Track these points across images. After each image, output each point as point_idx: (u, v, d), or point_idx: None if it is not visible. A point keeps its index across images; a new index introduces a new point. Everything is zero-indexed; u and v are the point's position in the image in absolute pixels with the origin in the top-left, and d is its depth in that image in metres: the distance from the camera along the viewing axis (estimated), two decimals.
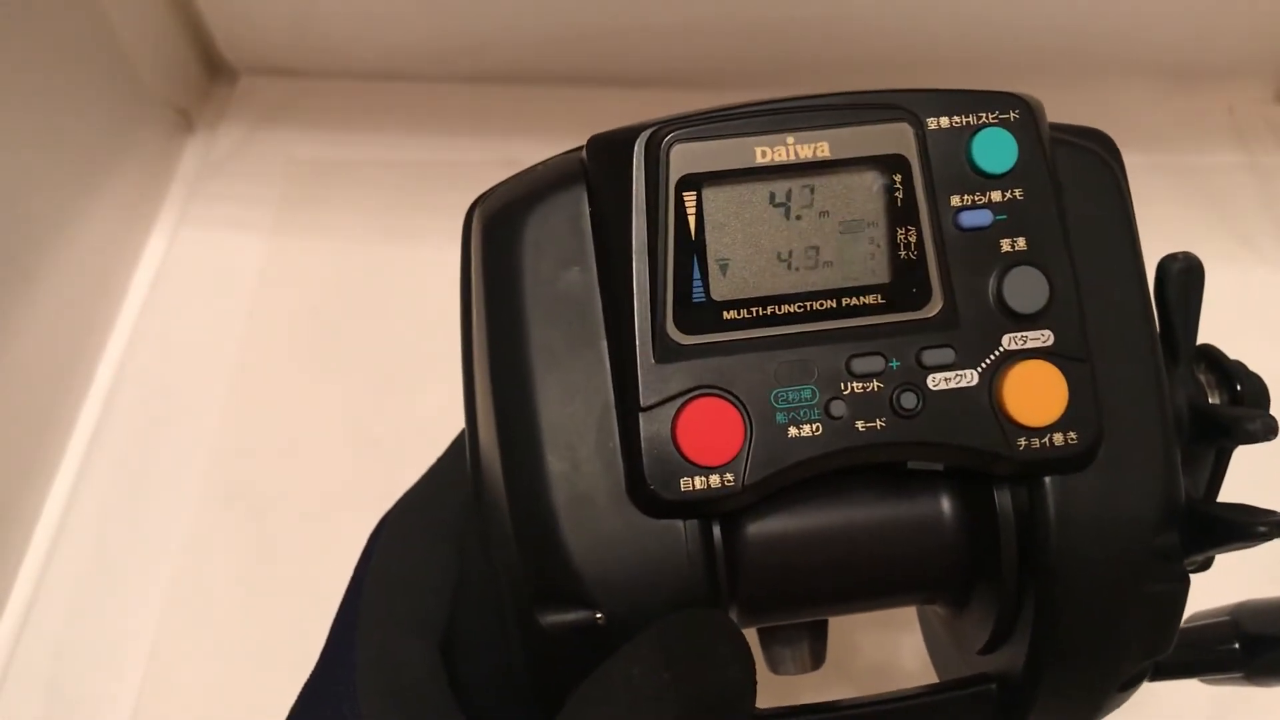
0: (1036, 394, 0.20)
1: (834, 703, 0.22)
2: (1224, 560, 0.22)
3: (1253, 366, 0.24)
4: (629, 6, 0.50)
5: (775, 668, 0.24)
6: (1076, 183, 0.21)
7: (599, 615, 0.19)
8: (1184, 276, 0.23)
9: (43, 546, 0.43)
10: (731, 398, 0.19)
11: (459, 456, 0.22)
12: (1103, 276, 0.21)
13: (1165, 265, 0.23)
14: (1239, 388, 0.23)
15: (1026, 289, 0.20)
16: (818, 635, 0.24)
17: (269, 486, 0.44)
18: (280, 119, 0.57)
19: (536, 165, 0.22)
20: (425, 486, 0.24)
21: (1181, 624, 0.22)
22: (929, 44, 0.52)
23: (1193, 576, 0.22)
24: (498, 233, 0.21)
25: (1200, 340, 0.24)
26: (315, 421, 0.46)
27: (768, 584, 0.21)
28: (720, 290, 0.20)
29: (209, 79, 0.59)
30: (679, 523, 0.19)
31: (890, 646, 0.40)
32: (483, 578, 0.20)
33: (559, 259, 0.20)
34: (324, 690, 0.22)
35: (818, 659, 0.24)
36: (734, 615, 0.22)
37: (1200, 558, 0.22)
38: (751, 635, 0.24)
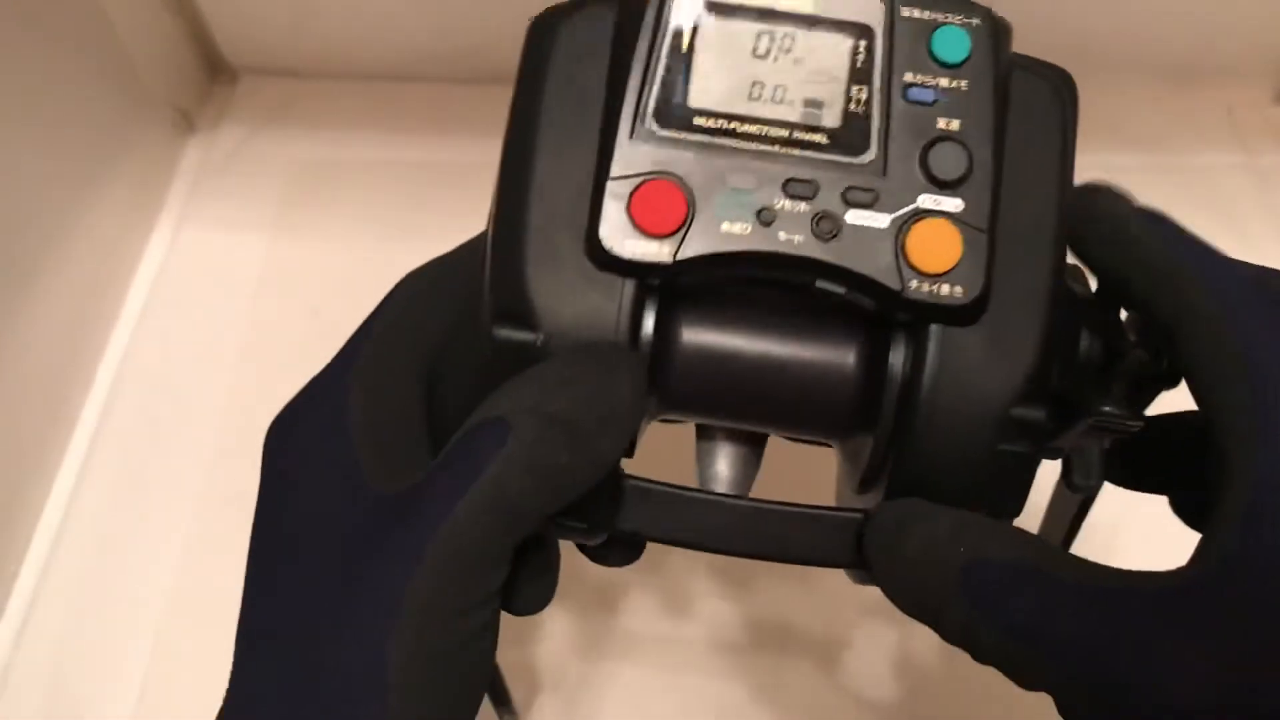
0: (935, 245, 0.23)
1: (716, 493, 0.26)
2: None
3: None
4: None
5: (705, 481, 0.27)
6: (1024, 103, 0.24)
7: (539, 337, 0.23)
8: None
9: (44, 546, 0.44)
10: (683, 186, 0.23)
11: (479, 237, 0.26)
12: (1025, 185, 0.24)
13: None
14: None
15: (949, 160, 0.23)
16: (750, 459, 0.27)
17: None
18: (280, 119, 0.57)
19: None
20: (445, 257, 0.28)
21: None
22: None
23: None
24: (538, 33, 0.25)
25: None
26: None
27: (685, 381, 0.25)
28: (696, 100, 0.24)
29: (209, 80, 0.59)
30: (619, 279, 0.23)
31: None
32: (474, 311, 0.24)
33: (580, 59, 0.24)
34: (320, 392, 0.26)
35: (745, 480, 0.27)
36: (653, 401, 0.25)
37: (1059, 443, 0.25)
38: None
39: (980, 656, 0.21)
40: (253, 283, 0.51)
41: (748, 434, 0.27)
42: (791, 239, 0.23)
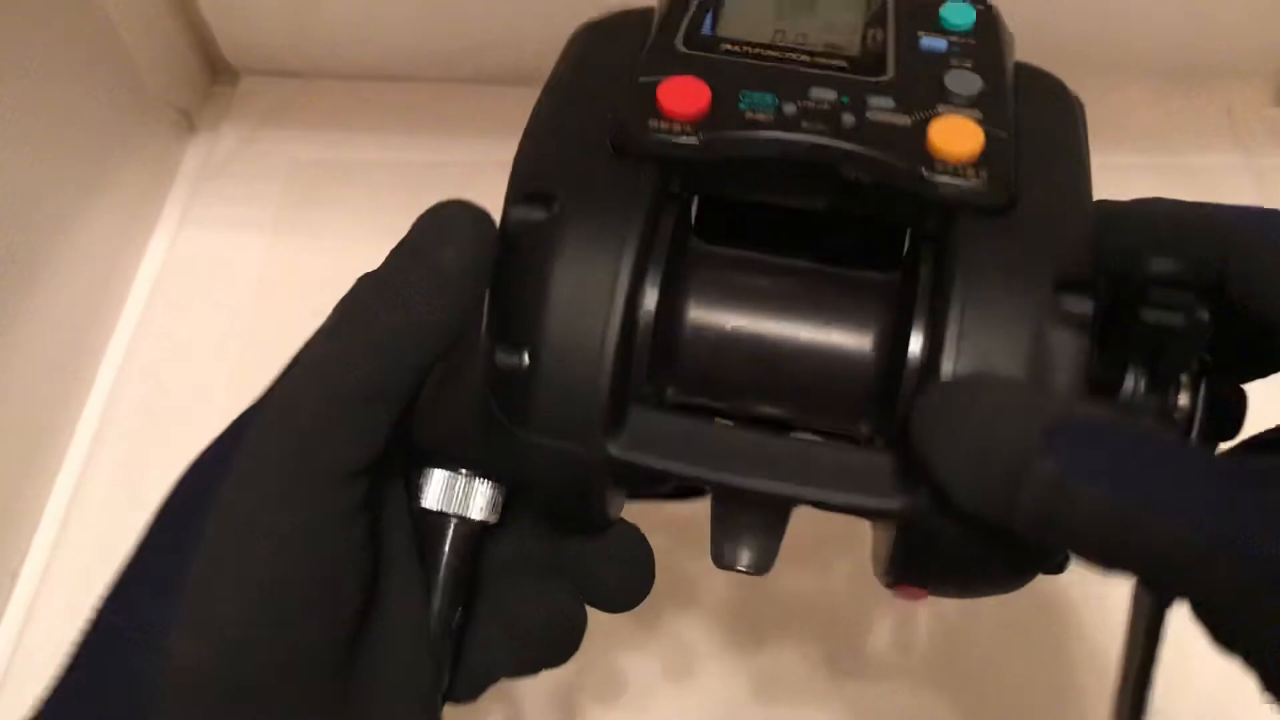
0: (957, 136, 0.23)
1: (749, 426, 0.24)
2: None
3: None
4: (628, 7, 0.50)
5: (719, 559, 0.25)
6: (1035, 93, 0.25)
7: (555, 208, 0.22)
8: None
9: (45, 546, 0.44)
10: (709, 83, 0.23)
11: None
12: (1044, 153, 0.23)
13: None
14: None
15: (966, 80, 0.24)
16: (771, 532, 0.25)
17: None
18: (281, 120, 0.57)
19: None
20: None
21: None
22: None
23: None
24: (582, 32, 0.27)
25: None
26: None
27: (695, 345, 0.24)
28: (724, 30, 0.25)
29: (210, 80, 0.59)
30: (643, 163, 0.23)
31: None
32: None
33: (618, 32, 0.26)
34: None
35: (766, 560, 0.25)
36: (671, 389, 0.24)
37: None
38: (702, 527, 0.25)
39: (1072, 530, 0.18)
40: (253, 283, 0.51)
41: (769, 507, 0.24)
42: (815, 128, 0.23)
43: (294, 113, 0.57)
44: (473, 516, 0.25)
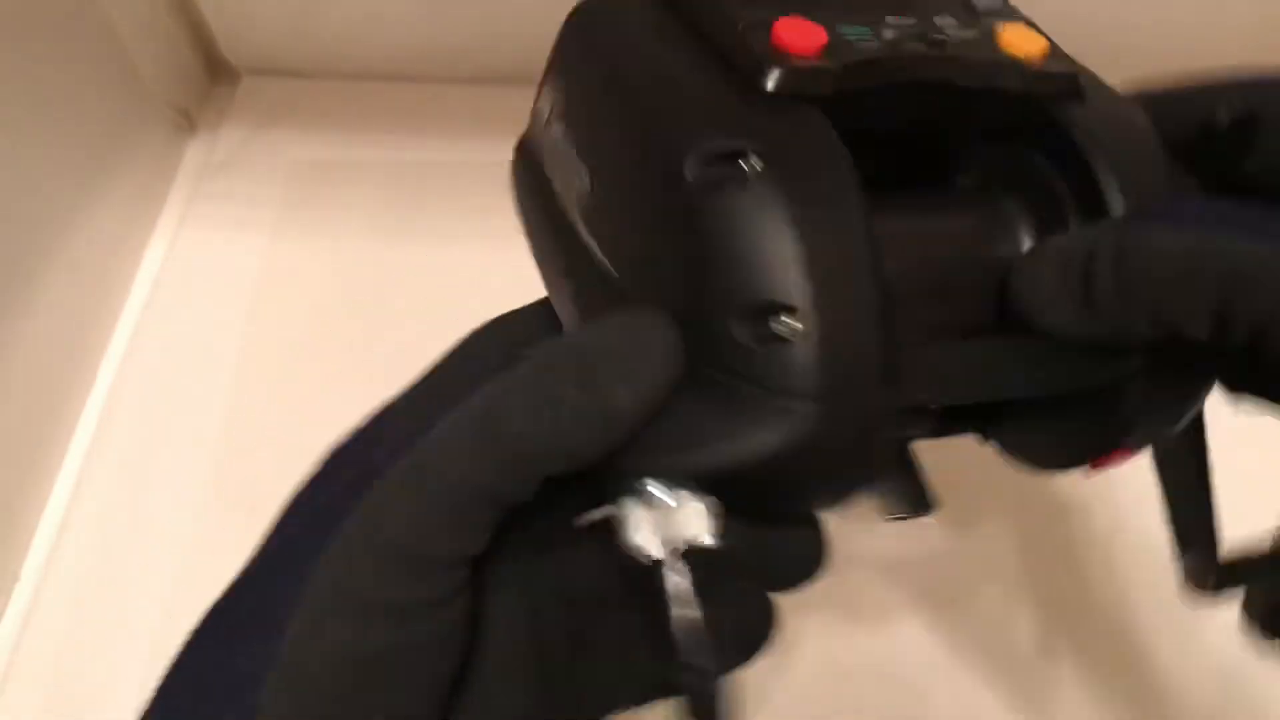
0: (1025, 39, 0.24)
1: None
2: None
3: None
4: None
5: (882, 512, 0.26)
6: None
7: (751, 155, 0.21)
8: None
9: (45, 546, 0.43)
10: (809, 17, 0.23)
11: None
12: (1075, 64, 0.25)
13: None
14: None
15: (1009, 11, 0.25)
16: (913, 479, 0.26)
17: (271, 486, 0.44)
18: (281, 120, 0.57)
19: None
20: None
21: None
22: None
23: None
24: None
25: None
26: (316, 421, 0.46)
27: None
28: None
29: (210, 80, 0.59)
30: (798, 103, 0.22)
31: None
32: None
33: None
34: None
35: (920, 501, 0.26)
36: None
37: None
38: None
39: (1155, 281, 0.19)
40: (253, 283, 0.51)
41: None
42: (917, 48, 0.23)
43: (294, 113, 0.57)
44: (704, 541, 0.22)
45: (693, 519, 0.21)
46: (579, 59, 0.25)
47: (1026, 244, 0.25)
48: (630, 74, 0.24)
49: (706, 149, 0.21)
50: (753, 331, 0.20)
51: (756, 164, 0.20)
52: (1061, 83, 0.24)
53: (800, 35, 0.22)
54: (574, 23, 0.26)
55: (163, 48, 0.54)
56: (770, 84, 0.22)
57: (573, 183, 0.24)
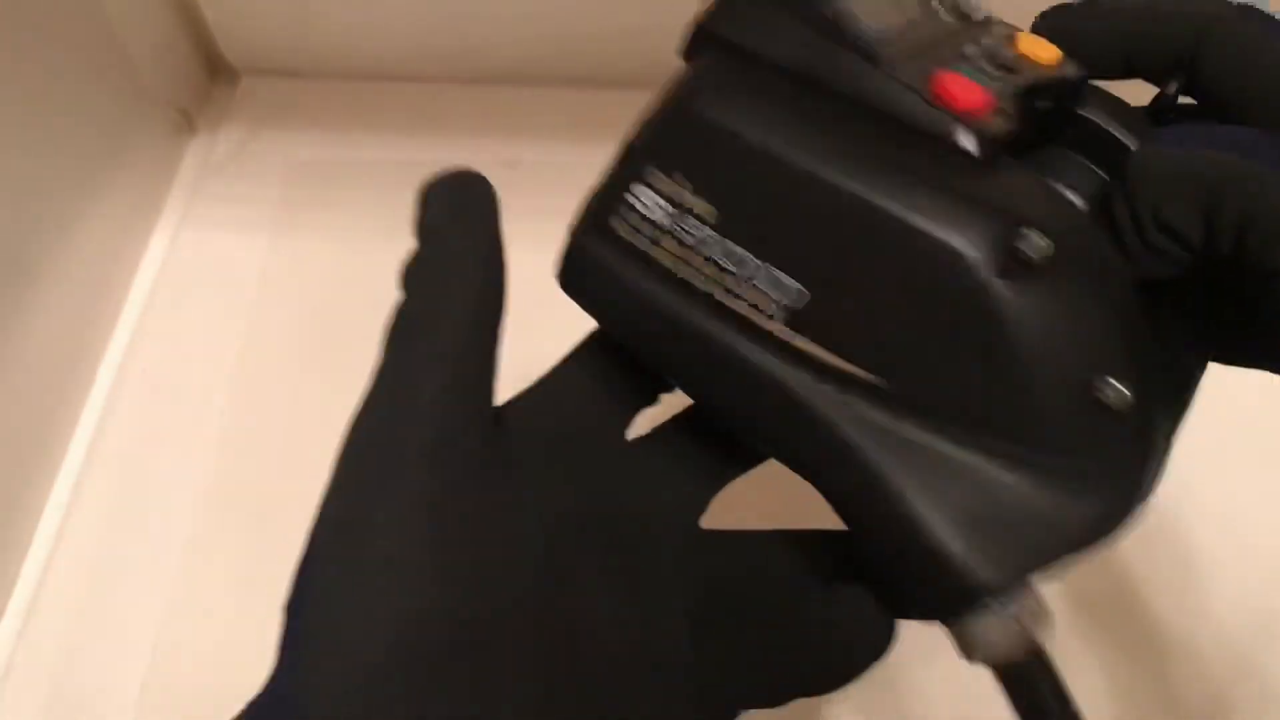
0: (1039, 47, 0.24)
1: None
2: None
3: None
4: (629, 8, 0.50)
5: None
6: None
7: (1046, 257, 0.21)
8: None
9: (45, 546, 0.44)
10: (948, 69, 0.23)
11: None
12: None
13: None
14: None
15: (974, 7, 0.26)
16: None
17: (270, 486, 0.44)
18: (281, 120, 0.57)
19: None
20: None
21: None
22: None
23: None
24: None
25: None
26: (316, 421, 0.46)
27: None
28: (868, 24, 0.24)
29: (210, 80, 0.59)
30: (1018, 170, 0.22)
31: None
32: None
33: None
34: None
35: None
36: None
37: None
38: None
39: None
40: (253, 283, 0.51)
41: None
42: (1012, 77, 0.23)
43: (294, 113, 0.57)
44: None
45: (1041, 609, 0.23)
46: (728, 166, 0.23)
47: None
48: (821, 174, 0.22)
49: (982, 236, 0.20)
50: (1081, 406, 0.21)
51: (1040, 241, 0.20)
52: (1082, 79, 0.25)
53: (965, 92, 0.22)
54: (696, 123, 0.23)
55: (162, 48, 0.54)
56: (974, 148, 0.21)
57: (758, 292, 0.23)
